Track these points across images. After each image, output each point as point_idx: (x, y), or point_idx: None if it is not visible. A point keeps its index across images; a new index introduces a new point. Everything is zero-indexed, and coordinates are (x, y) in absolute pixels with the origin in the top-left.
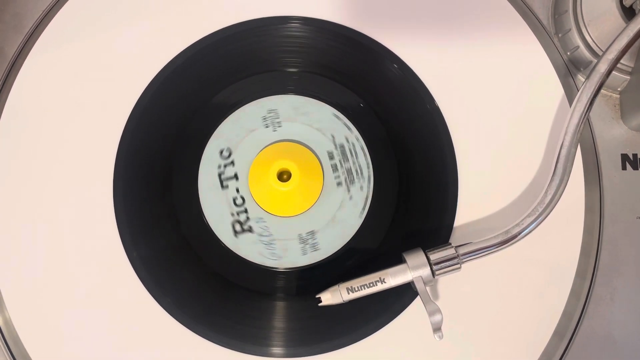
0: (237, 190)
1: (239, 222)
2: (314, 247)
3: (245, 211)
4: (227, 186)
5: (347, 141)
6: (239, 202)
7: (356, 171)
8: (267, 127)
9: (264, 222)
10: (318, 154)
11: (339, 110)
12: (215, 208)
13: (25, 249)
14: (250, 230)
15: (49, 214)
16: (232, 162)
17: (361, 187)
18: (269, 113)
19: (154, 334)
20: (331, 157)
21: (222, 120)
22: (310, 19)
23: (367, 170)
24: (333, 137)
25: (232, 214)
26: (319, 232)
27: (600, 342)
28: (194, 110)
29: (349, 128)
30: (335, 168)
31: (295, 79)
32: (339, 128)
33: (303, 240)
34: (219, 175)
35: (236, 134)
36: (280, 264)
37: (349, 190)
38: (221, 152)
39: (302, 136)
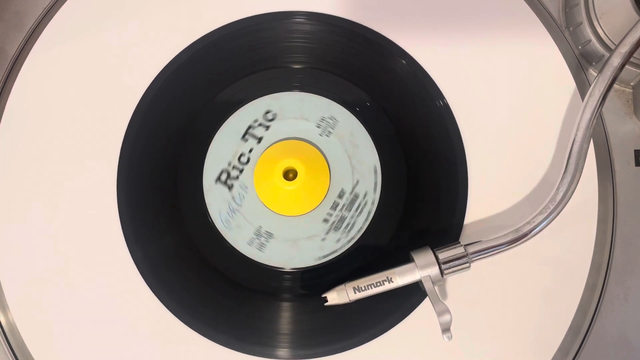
0: (250, 151)
1: (228, 173)
2: (260, 247)
3: (240, 171)
4: (246, 140)
5: (363, 197)
6: (243, 161)
7: (347, 225)
8: (318, 127)
9: (246, 192)
10: (333, 184)
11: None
12: (222, 147)
13: (27, 249)
14: (229, 187)
15: (51, 214)
16: (268, 127)
17: (338, 240)
18: (329, 119)
19: (158, 333)
20: (340, 195)
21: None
22: (315, 14)
23: (356, 233)
24: (357, 182)
25: (229, 163)
26: (275, 240)
27: (614, 342)
28: (201, 105)
29: (375, 187)
30: (334, 206)
31: (301, 77)
32: (368, 181)
33: (258, 233)
34: (249, 126)
35: (291, 111)
36: (225, 235)
37: (327, 233)
38: (267, 112)
39: (335, 159)
